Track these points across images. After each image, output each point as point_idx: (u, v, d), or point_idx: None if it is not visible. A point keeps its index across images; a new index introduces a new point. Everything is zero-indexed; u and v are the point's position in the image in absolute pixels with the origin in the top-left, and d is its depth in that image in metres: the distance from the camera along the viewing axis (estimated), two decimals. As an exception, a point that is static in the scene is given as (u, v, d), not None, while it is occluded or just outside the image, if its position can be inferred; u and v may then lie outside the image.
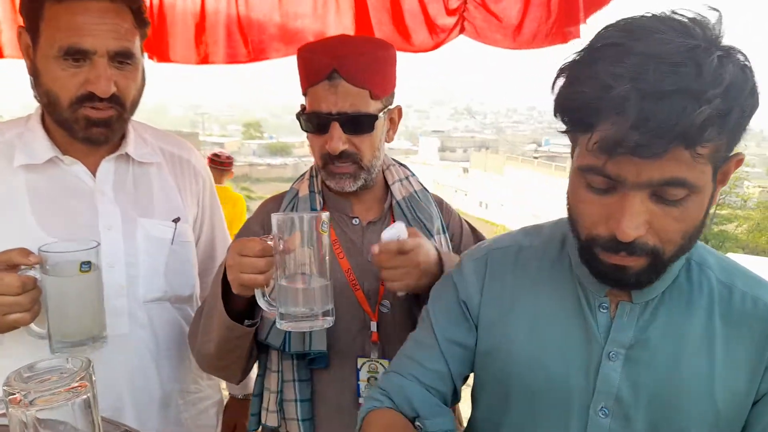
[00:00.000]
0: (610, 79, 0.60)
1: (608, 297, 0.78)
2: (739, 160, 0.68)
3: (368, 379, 1.09)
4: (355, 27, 1.62)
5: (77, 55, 1.00)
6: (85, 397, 0.64)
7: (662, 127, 0.58)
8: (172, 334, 1.19)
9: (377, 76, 1.05)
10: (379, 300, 1.11)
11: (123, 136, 1.16)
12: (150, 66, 1.65)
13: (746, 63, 0.62)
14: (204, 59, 1.59)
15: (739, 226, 28.01)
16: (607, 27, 0.66)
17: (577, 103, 0.64)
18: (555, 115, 0.69)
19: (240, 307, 1.02)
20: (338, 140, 1.03)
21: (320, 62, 1.02)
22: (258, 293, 0.95)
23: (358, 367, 1.10)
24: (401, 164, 1.23)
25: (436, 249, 1.03)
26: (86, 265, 0.93)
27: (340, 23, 1.63)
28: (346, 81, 1.01)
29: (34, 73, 1.05)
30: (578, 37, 1.38)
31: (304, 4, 1.61)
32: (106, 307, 1.06)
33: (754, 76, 0.62)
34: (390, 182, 1.17)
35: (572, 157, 0.72)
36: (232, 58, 1.61)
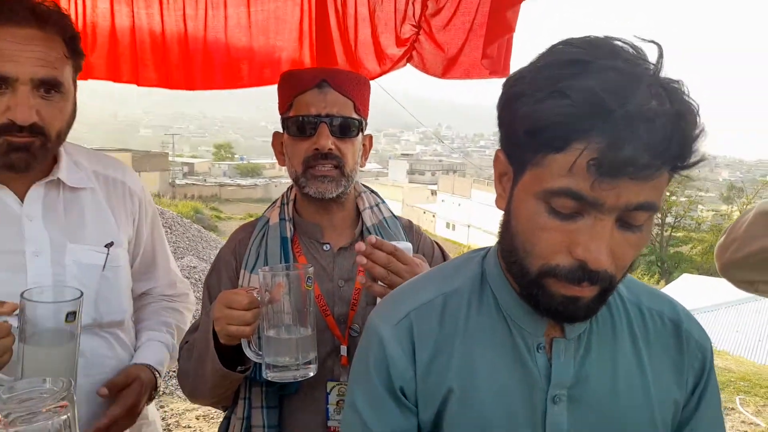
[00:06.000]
0: (605, 93, 0.56)
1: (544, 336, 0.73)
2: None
3: (337, 403, 1.10)
4: (317, 56, 1.64)
5: None
6: (65, 417, 0.63)
7: (659, 147, 0.56)
8: (100, 359, 1.16)
9: (359, 93, 1.16)
10: (349, 324, 1.13)
11: (55, 161, 1.14)
12: (120, 85, 1.64)
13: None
14: (179, 85, 1.59)
15: (693, 248, 29.12)
16: (561, 44, 0.63)
17: (562, 117, 0.58)
18: (516, 134, 0.63)
19: (230, 351, 1.03)
20: (327, 138, 1.09)
21: (310, 74, 1.15)
22: (244, 343, 0.98)
23: (328, 390, 1.11)
24: (372, 191, 1.28)
25: None
26: None
27: (304, 52, 1.65)
28: (334, 90, 1.11)
29: None
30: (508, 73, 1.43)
31: (282, 33, 1.64)
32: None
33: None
34: (361, 208, 1.21)
35: (514, 182, 0.67)
36: (207, 85, 1.61)
